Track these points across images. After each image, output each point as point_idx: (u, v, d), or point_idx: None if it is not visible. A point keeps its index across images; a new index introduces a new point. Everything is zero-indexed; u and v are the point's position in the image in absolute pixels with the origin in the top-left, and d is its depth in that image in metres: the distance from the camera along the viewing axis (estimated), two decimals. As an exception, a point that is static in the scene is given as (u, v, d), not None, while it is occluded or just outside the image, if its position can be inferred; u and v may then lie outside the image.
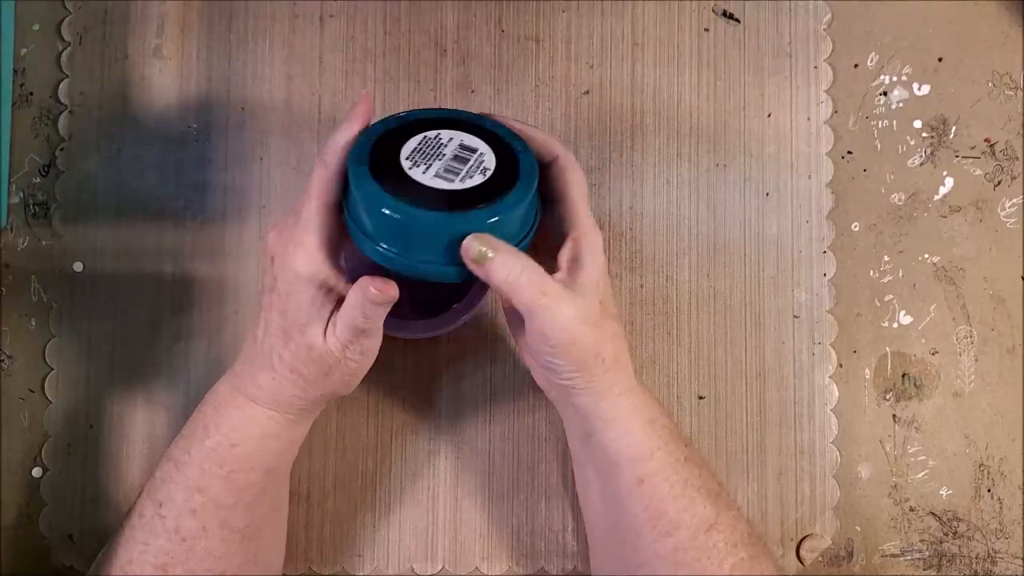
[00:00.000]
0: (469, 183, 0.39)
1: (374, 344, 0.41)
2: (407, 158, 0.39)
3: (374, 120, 0.41)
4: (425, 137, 0.40)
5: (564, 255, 0.41)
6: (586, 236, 0.41)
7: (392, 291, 0.38)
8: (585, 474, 0.47)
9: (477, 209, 0.38)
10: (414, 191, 0.38)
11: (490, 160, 0.40)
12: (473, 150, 0.40)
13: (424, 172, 0.39)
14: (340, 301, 0.40)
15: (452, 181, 0.39)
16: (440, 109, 0.43)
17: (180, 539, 0.41)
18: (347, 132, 0.40)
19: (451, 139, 0.40)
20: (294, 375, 0.40)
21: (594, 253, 0.41)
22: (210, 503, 0.41)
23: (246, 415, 0.42)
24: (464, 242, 0.38)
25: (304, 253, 0.39)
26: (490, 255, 0.38)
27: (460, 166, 0.39)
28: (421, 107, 0.45)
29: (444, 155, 0.40)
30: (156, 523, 0.42)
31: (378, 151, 0.39)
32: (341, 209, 0.40)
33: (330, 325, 0.39)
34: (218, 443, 0.41)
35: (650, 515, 0.42)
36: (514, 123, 0.42)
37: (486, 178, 0.39)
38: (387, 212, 0.37)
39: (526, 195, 0.39)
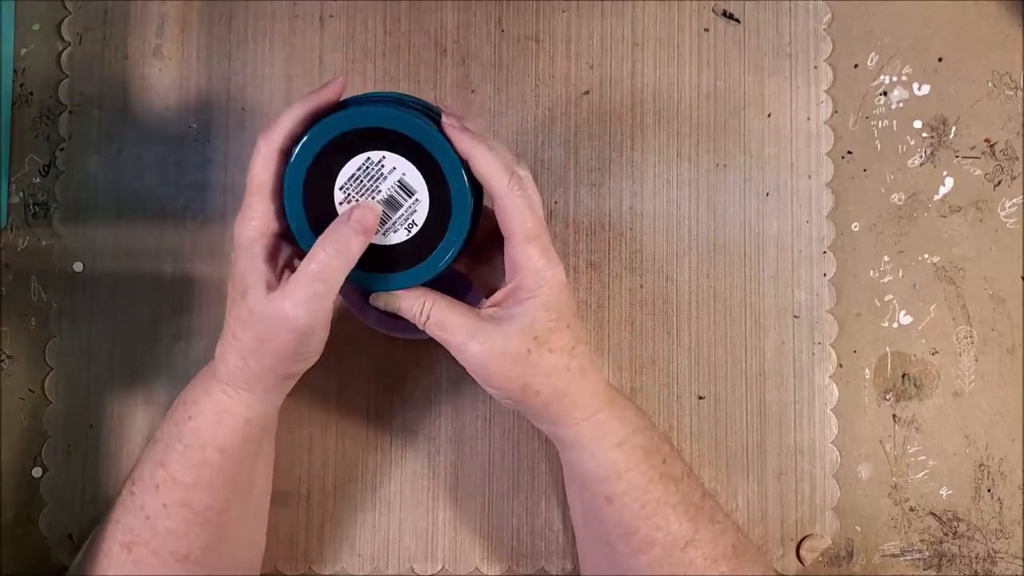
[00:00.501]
0: (391, 239, 0.40)
1: (318, 314, 0.39)
2: (341, 188, 0.39)
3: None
4: (368, 160, 0.39)
5: (500, 293, 0.41)
6: (528, 279, 0.40)
7: (369, 215, 0.38)
8: (569, 484, 0.47)
9: (389, 273, 0.41)
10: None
11: (422, 211, 0.40)
12: (410, 193, 0.39)
13: None
14: (283, 269, 0.40)
15: (375, 233, 0.40)
16: (400, 107, 0.40)
17: (144, 516, 0.42)
18: (297, 114, 0.39)
19: (393, 170, 0.39)
20: (236, 342, 0.40)
21: (535, 295, 0.40)
22: (170, 479, 0.41)
23: (206, 389, 0.42)
24: (371, 296, 0.41)
25: (243, 224, 0.39)
26: (395, 305, 0.41)
27: (390, 213, 0.40)
28: (402, 92, 0.43)
29: (379, 192, 0.39)
30: (127, 500, 0.43)
31: (317, 167, 0.39)
32: (280, 184, 0.40)
33: (278, 287, 0.39)
34: (180, 417, 0.42)
35: (622, 533, 0.42)
36: (470, 144, 0.39)
37: (409, 235, 0.40)
38: (305, 248, 0.39)
39: (435, 268, 0.40)
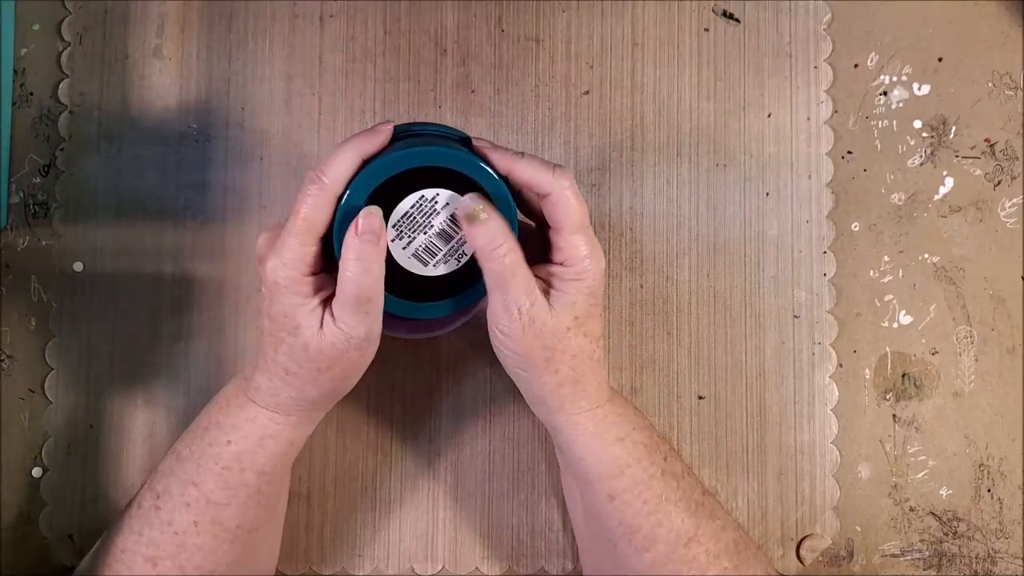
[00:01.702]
0: (440, 269, 0.41)
1: (375, 324, 0.40)
2: (394, 226, 0.40)
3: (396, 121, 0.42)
4: (422, 198, 0.40)
5: (543, 271, 0.42)
6: (573, 267, 0.40)
7: (375, 220, 0.38)
8: (568, 483, 0.47)
9: (430, 303, 0.42)
10: (388, 269, 0.40)
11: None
12: (461, 226, 0.40)
13: (404, 248, 0.41)
14: (328, 299, 0.40)
15: (426, 265, 0.41)
16: (444, 141, 0.41)
17: (172, 532, 0.41)
18: (352, 160, 0.39)
19: (446, 206, 0.40)
20: (289, 376, 0.40)
21: (580, 279, 0.40)
22: (203, 498, 0.41)
23: (248, 415, 0.42)
24: (463, 198, 0.40)
25: (282, 265, 0.39)
26: (482, 216, 0.39)
27: (441, 246, 0.41)
28: (437, 122, 0.44)
29: (431, 227, 0.40)
30: (151, 514, 0.42)
31: (371, 202, 0.39)
32: (329, 229, 0.40)
33: (326, 317, 0.39)
34: (216, 439, 0.42)
35: (625, 530, 0.42)
36: (509, 159, 0.40)
37: (459, 265, 0.41)
38: None
39: (481, 294, 0.41)
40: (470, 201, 0.39)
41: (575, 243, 0.40)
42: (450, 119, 0.53)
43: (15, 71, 0.52)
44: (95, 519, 0.51)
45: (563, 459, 0.46)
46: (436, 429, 0.52)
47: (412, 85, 0.53)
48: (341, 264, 0.38)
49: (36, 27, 0.52)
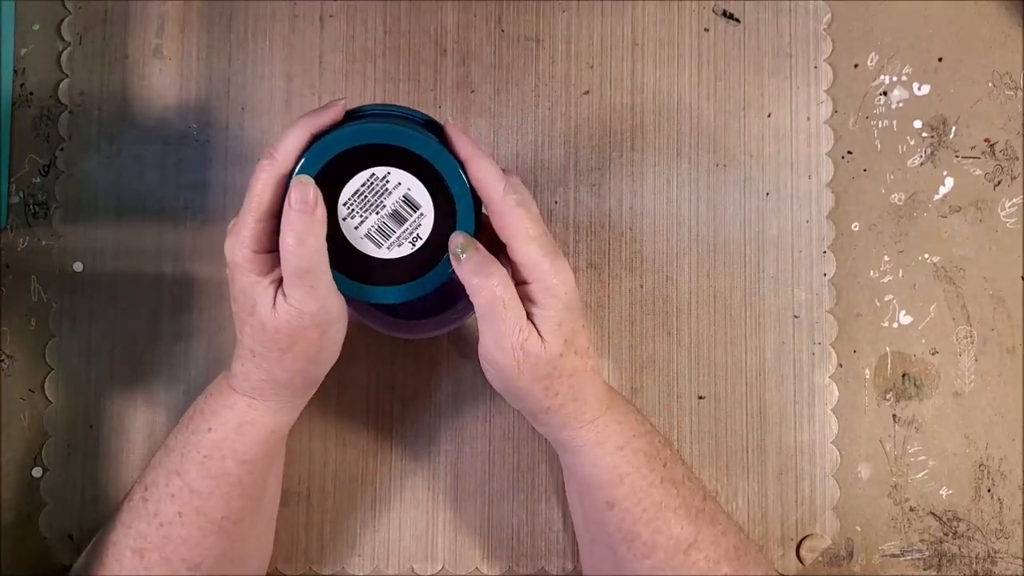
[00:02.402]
0: (396, 252, 0.40)
1: (328, 299, 0.39)
2: (345, 203, 0.39)
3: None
4: (373, 176, 0.39)
5: (523, 295, 0.40)
6: (540, 281, 0.39)
7: (306, 189, 0.37)
8: (570, 486, 0.47)
9: (386, 287, 0.41)
10: (339, 249, 0.39)
11: (427, 225, 0.40)
12: (415, 207, 0.40)
13: (357, 227, 0.40)
14: (281, 279, 0.39)
15: (380, 246, 0.40)
16: (403, 121, 0.40)
17: (158, 523, 0.42)
18: (302, 135, 0.39)
19: (398, 185, 0.39)
20: (256, 358, 0.40)
21: (554, 296, 0.39)
22: (186, 488, 0.41)
23: (227, 401, 0.42)
24: (452, 235, 0.39)
25: (238, 244, 0.38)
26: (463, 255, 0.39)
27: (395, 227, 0.40)
28: (397, 104, 0.43)
29: (384, 207, 0.39)
30: (140, 506, 0.42)
31: (322, 180, 0.39)
32: (281, 205, 0.39)
33: (278, 295, 0.39)
34: (198, 427, 0.42)
35: (624, 536, 0.42)
36: (470, 149, 0.39)
37: (414, 249, 0.40)
38: None
39: (438, 280, 0.41)
40: (459, 237, 0.39)
41: (530, 253, 0.39)
42: (450, 119, 0.52)
43: (15, 71, 0.52)
44: (95, 519, 0.51)
45: (565, 467, 0.46)
46: (436, 429, 0.52)
47: (412, 85, 0.53)
48: (280, 238, 0.38)
49: (36, 27, 0.52)
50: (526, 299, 0.40)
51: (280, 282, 0.39)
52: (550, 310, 0.39)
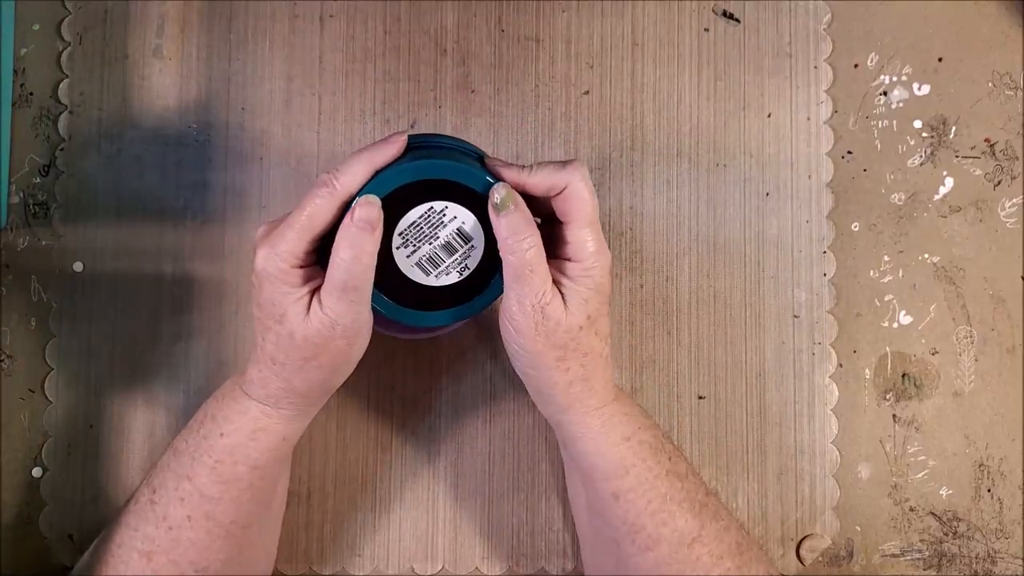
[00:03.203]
0: (443, 280, 0.41)
1: (362, 315, 0.40)
2: (400, 233, 0.40)
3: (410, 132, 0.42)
4: (431, 209, 0.40)
5: (552, 267, 0.41)
6: (582, 261, 0.40)
7: (372, 209, 0.38)
8: (572, 479, 0.47)
9: (427, 312, 0.42)
10: (389, 275, 0.41)
11: (476, 256, 0.41)
12: (467, 240, 0.41)
13: (408, 256, 0.41)
14: (316, 289, 0.40)
15: (429, 274, 0.41)
16: (459, 155, 0.41)
17: (167, 527, 0.41)
18: (365, 170, 0.39)
19: (453, 219, 0.40)
20: (276, 366, 0.40)
21: (588, 275, 0.40)
22: (196, 492, 0.41)
23: (240, 407, 0.42)
24: (495, 186, 0.40)
25: (274, 256, 0.39)
26: (508, 207, 0.39)
27: (445, 257, 0.41)
28: (450, 135, 0.44)
29: (437, 239, 0.41)
30: (147, 509, 0.42)
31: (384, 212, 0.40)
32: (328, 231, 0.40)
33: (313, 304, 0.39)
34: (210, 432, 0.42)
35: (628, 529, 0.42)
36: (518, 173, 0.40)
37: (461, 278, 0.41)
38: None
39: (480, 307, 0.42)
40: (501, 189, 0.39)
41: (584, 237, 0.40)
42: (450, 119, 0.53)
43: (15, 71, 0.52)
44: (95, 519, 0.51)
45: (568, 456, 0.46)
46: (436, 429, 0.52)
47: (412, 85, 0.53)
48: (334, 250, 0.38)
49: (36, 27, 0.52)
50: (563, 273, 0.41)
51: (312, 293, 0.39)
52: (581, 286, 0.40)
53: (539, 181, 0.40)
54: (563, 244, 0.41)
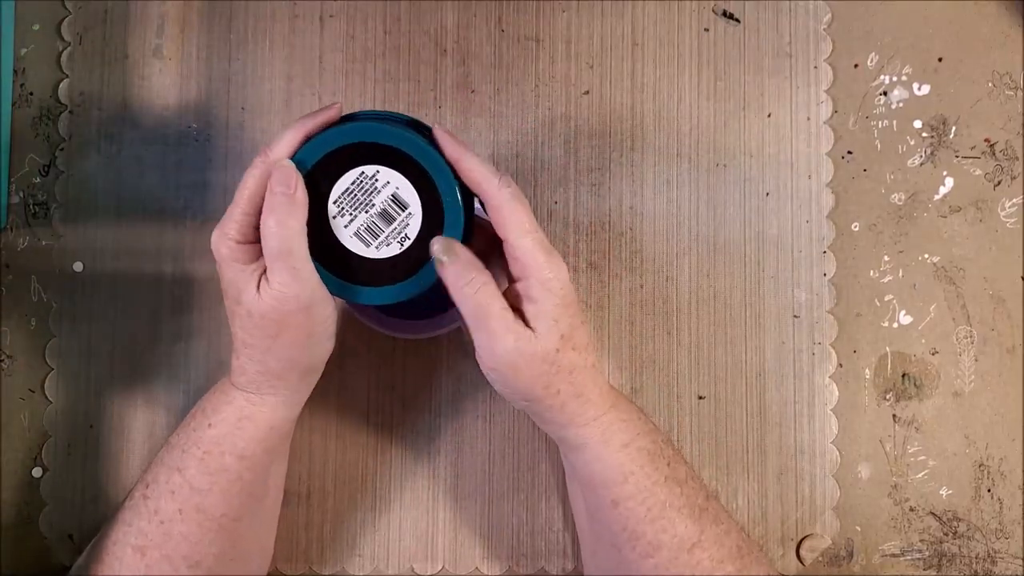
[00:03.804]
0: (384, 252, 0.40)
1: (309, 281, 0.39)
2: (335, 202, 0.40)
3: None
4: (362, 174, 0.40)
5: (511, 293, 0.41)
6: (535, 275, 0.39)
7: (286, 172, 0.38)
8: (572, 485, 0.47)
9: (373, 287, 0.41)
10: (328, 247, 0.40)
11: (415, 224, 0.40)
12: (403, 207, 0.40)
13: (346, 225, 0.40)
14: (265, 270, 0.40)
15: (368, 245, 0.40)
16: (393, 123, 0.40)
17: (159, 521, 0.42)
18: (297, 135, 0.39)
19: (387, 184, 0.40)
20: (248, 349, 0.41)
21: (548, 290, 0.39)
22: (186, 484, 0.41)
23: (227, 397, 0.42)
24: (433, 240, 0.39)
25: (223, 235, 0.39)
26: (444, 259, 0.39)
27: (383, 227, 0.40)
28: (392, 111, 0.43)
29: (373, 206, 0.40)
30: (140, 504, 0.42)
31: (313, 178, 0.39)
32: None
33: (261, 281, 0.39)
34: (199, 424, 0.42)
35: (628, 536, 0.42)
36: (459, 149, 0.40)
37: (402, 248, 0.40)
38: None
39: (427, 281, 0.41)
40: (439, 241, 0.39)
41: (525, 246, 0.39)
42: (450, 119, 0.53)
43: (15, 71, 0.52)
44: (95, 519, 0.51)
45: (568, 465, 0.46)
46: (436, 429, 0.52)
47: (412, 85, 0.53)
48: (261, 221, 0.38)
49: (36, 27, 0.52)
50: (521, 296, 0.40)
51: (265, 271, 0.39)
52: (545, 304, 0.39)
53: (473, 169, 0.39)
54: (512, 261, 0.40)
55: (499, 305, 0.39)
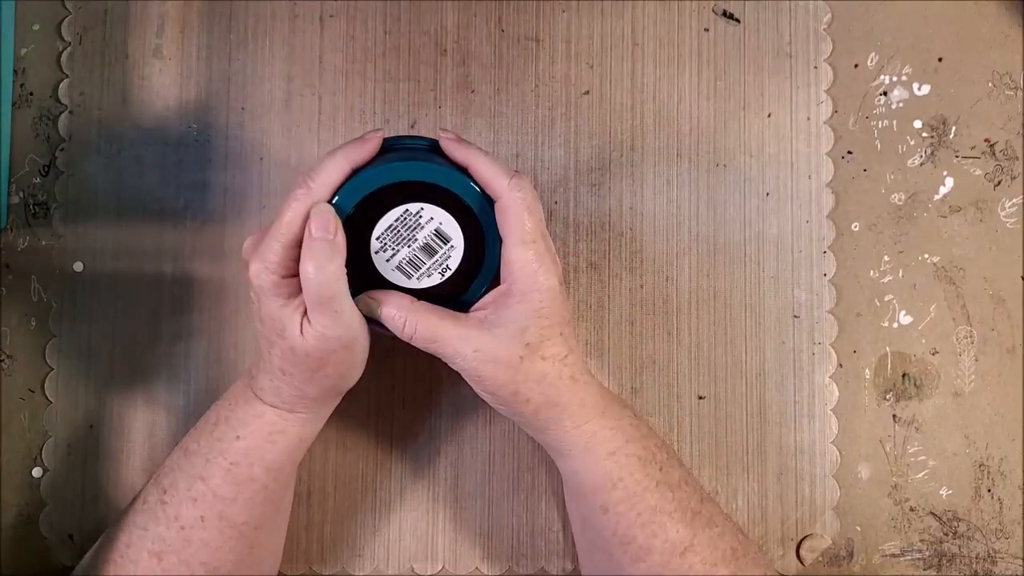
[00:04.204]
0: (425, 283, 0.41)
1: (352, 323, 0.40)
2: (378, 238, 0.40)
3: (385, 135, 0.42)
4: (406, 212, 0.40)
5: (491, 295, 0.41)
6: (519, 284, 0.40)
7: (325, 217, 0.38)
8: (566, 489, 0.47)
9: None
10: (372, 281, 0.41)
11: (456, 256, 0.41)
12: (446, 240, 0.41)
13: (388, 260, 0.41)
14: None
15: (410, 277, 0.41)
16: (437, 159, 0.41)
17: (179, 527, 0.41)
18: (341, 169, 0.39)
19: (430, 220, 0.40)
20: (286, 376, 0.41)
21: (526, 300, 0.40)
22: (210, 493, 0.41)
23: (255, 411, 0.42)
24: (359, 297, 0.40)
25: (264, 269, 0.39)
26: (375, 311, 0.40)
27: (425, 259, 0.41)
28: (424, 136, 0.44)
29: (416, 240, 0.40)
30: (158, 509, 0.42)
31: (356, 216, 0.40)
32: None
33: (304, 322, 0.39)
34: (224, 434, 0.42)
35: (619, 541, 0.42)
36: (468, 152, 0.40)
37: (443, 279, 0.41)
38: None
39: (466, 306, 0.42)
40: (363, 299, 0.40)
41: (523, 256, 0.39)
42: (450, 119, 0.53)
43: (15, 71, 0.52)
44: (95, 519, 0.51)
45: (560, 470, 0.46)
46: (436, 429, 0.52)
47: (412, 85, 0.53)
48: (300, 266, 0.38)
49: (36, 27, 0.52)
50: (501, 298, 0.40)
51: (306, 309, 0.40)
52: (517, 312, 0.40)
53: (483, 169, 0.40)
54: (504, 264, 0.40)
55: (444, 328, 0.40)
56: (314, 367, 0.40)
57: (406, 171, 0.40)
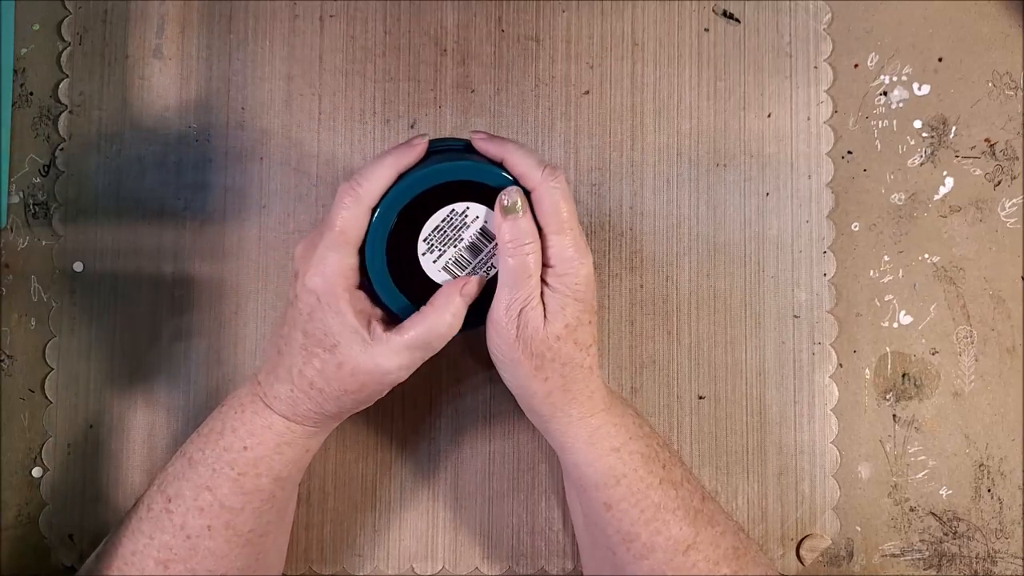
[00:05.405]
0: None
1: (418, 363, 0.41)
2: (425, 239, 0.41)
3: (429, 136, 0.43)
4: (452, 211, 0.41)
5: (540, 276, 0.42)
6: (558, 267, 0.40)
7: (477, 288, 0.41)
8: (568, 485, 0.47)
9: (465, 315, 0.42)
10: (417, 285, 0.41)
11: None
12: (491, 239, 0.41)
13: (435, 260, 0.41)
14: (370, 319, 0.40)
15: (456, 277, 0.41)
16: (479, 158, 0.42)
17: (185, 536, 0.41)
18: (389, 174, 0.40)
19: (476, 219, 0.41)
20: (313, 391, 0.41)
21: (564, 283, 0.40)
22: (217, 503, 0.41)
23: (264, 422, 0.42)
24: (506, 189, 0.40)
25: (323, 281, 0.39)
26: (518, 210, 0.40)
27: (471, 258, 0.41)
28: (460, 136, 0.44)
29: (462, 240, 0.41)
30: (163, 518, 0.42)
31: (403, 220, 0.40)
32: (363, 240, 0.40)
33: (377, 345, 0.39)
34: (231, 444, 0.42)
35: (622, 538, 0.42)
36: (501, 147, 0.41)
37: (488, 277, 0.42)
38: (387, 302, 0.41)
39: None
40: (513, 194, 0.40)
41: (561, 243, 0.40)
42: (450, 119, 0.53)
43: (15, 71, 0.52)
44: (95, 519, 0.51)
45: (563, 465, 0.46)
46: (436, 429, 0.52)
47: (412, 85, 0.53)
48: (433, 311, 0.39)
49: (36, 27, 0.52)
50: (543, 280, 0.41)
51: (367, 324, 0.40)
52: (558, 293, 0.40)
53: (518, 162, 0.40)
54: (545, 250, 0.41)
55: (538, 277, 0.40)
56: (351, 388, 0.40)
57: (451, 172, 0.40)
